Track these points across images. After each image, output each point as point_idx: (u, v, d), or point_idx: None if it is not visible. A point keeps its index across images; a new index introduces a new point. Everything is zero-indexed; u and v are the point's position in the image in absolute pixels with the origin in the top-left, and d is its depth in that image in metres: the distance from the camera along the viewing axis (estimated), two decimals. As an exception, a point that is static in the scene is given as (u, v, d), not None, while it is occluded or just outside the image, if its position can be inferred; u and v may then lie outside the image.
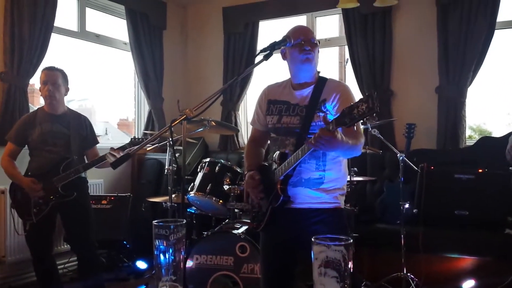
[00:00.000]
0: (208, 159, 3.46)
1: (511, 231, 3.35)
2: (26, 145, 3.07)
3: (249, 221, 2.92)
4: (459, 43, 4.08)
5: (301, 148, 1.88)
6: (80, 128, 3.12)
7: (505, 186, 3.41)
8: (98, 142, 3.24)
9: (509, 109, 5.01)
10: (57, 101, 3.03)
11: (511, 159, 2.66)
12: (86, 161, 3.13)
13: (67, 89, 3.08)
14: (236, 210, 3.24)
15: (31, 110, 3.52)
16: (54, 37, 4.12)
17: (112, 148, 2.95)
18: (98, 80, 5.71)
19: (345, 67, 4.98)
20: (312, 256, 1.02)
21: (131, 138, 3.10)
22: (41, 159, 3.00)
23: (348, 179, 3.37)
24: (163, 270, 1.17)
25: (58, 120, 3.05)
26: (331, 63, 5.05)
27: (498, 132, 4.52)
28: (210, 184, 3.26)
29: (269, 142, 2.28)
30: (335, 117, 1.66)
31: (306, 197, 2.04)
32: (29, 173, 3.02)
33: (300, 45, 2.03)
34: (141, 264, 4.02)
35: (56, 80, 2.99)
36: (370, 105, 1.50)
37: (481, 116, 4.88)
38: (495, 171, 3.52)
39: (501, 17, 4.04)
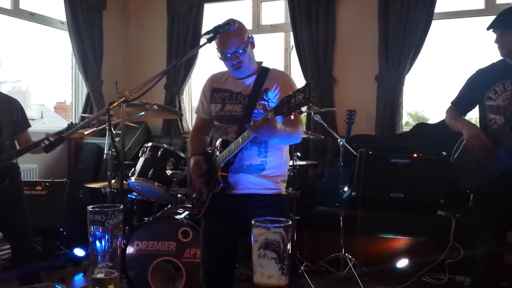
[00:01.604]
0: (150, 144, 3.39)
1: (442, 212, 3.55)
2: None
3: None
4: (399, 32, 4.22)
5: (242, 136, 1.92)
6: (10, 112, 2.93)
7: (437, 170, 3.60)
8: (30, 126, 3.07)
9: (446, 96, 5.28)
10: None
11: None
12: (18, 147, 2.96)
13: None
14: (179, 195, 3.20)
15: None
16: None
17: (47, 134, 2.82)
18: (33, 61, 5.44)
19: (290, 54, 5.01)
20: (252, 238, 1.02)
21: (68, 124, 2.96)
22: (-30, 145, 2.81)
23: (291, 163, 3.43)
24: (99, 257, 1.14)
25: None
26: (277, 49, 5.07)
27: (435, 118, 4.74)
28: (152, 169, 3.20)
29: (213, 130, 2.29)
30: (274, 107, 1.71)
31: (248, 183, 2.06)
32: None
33: (226, 58, 2.05)
34: (79, 252, 3.89)
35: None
36: (307, 95, 1.57)
37: (420, 104, 5.11)
38: (428, 156, 3.71)
39: (439, 8, 4.21)
